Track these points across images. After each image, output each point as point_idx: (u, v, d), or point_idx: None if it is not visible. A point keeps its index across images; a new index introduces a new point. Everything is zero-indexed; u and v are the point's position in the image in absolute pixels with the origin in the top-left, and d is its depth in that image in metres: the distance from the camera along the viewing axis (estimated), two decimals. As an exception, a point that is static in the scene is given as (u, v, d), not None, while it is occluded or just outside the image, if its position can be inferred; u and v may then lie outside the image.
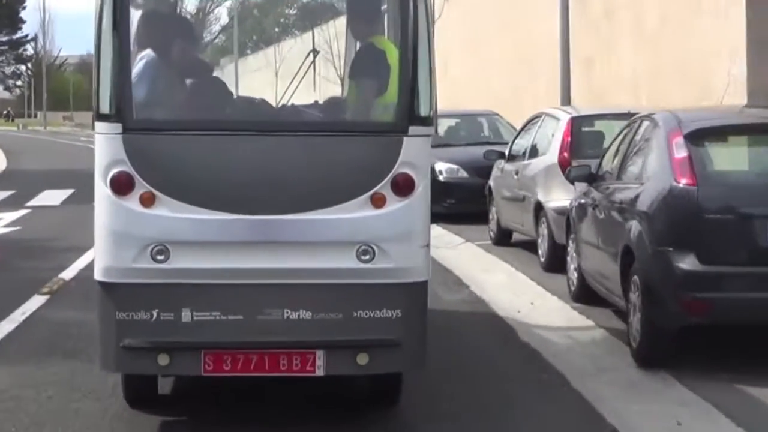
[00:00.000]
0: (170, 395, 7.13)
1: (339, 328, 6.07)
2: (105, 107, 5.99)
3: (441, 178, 16.68)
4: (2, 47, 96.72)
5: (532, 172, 13.14)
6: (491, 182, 14.99)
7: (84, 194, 18.71)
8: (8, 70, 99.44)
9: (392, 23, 6.76)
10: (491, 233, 14.87)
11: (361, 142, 6.17)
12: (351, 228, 6.05)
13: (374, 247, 6.08)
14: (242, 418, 6.84)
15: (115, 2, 5.95)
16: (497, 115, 19.96)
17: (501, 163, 14.64)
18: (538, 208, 12.64)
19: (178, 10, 7.78)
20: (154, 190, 5.97)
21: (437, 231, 14.99)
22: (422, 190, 6.14)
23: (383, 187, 6.07)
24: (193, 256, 6.01)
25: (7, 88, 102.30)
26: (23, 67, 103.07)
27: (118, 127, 5.97)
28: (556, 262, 11.71)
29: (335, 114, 6.99)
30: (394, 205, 6.09)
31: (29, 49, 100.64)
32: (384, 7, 7.05)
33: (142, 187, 5.97)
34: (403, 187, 6.09)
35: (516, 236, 14.38)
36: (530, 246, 13.33)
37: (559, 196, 12.00)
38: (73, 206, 19.75)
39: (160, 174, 5.99)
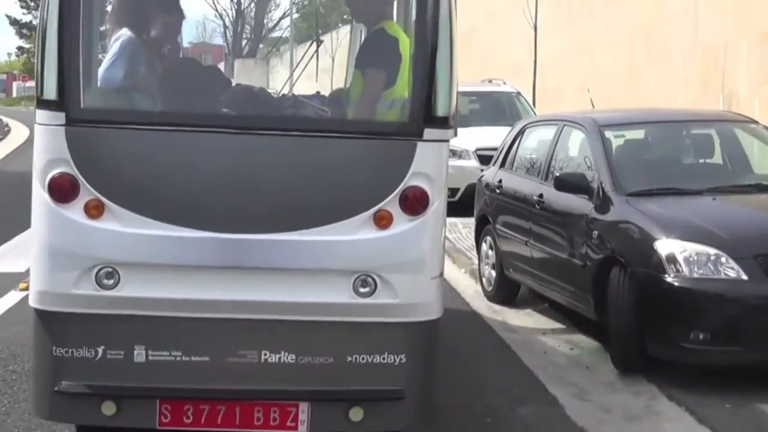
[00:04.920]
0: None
1: (329, 376, 5.02)
2: (48, 91, 4.87)
3: (674, 280, 6.88)
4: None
5: None
6: None
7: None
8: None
9: (403, 3, 5.55)
10: None
11: (364, 146, 5.02)
12: (347, 253, 4.94)
13: (375, 277, 4.98)
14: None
15: None
16: None
17: None
18: None
19: None
20: (102, 198, 4.85)
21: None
22: (437, 207, 5.03)
23: (389, 203, 4.95)
24: (148, 281, 4.90)
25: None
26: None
27: (60, 116, 4.83)
28: None
29: (334, 111, 5.78)
30: (402, 225, 4.97)
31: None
32: None
33: (87, 193, 4.85)
34: (415, 203, 4.97)
35: None
36: None
37: None
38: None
39: (111, 178, 4.87)
